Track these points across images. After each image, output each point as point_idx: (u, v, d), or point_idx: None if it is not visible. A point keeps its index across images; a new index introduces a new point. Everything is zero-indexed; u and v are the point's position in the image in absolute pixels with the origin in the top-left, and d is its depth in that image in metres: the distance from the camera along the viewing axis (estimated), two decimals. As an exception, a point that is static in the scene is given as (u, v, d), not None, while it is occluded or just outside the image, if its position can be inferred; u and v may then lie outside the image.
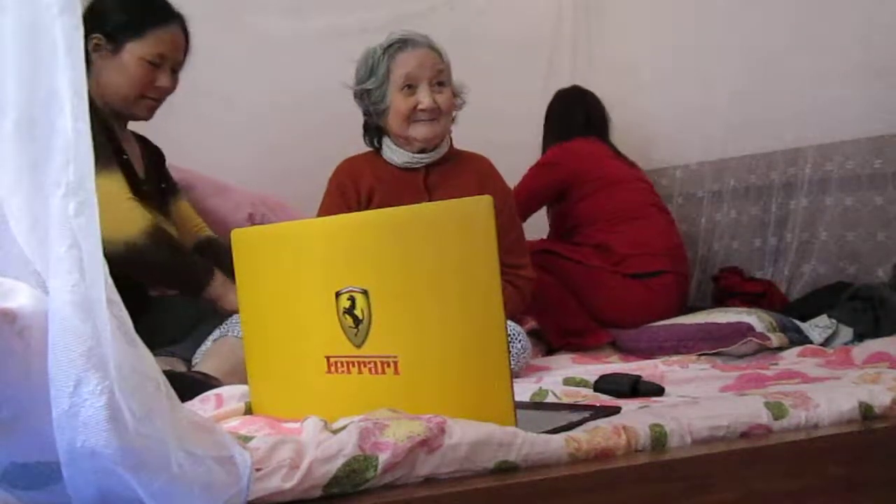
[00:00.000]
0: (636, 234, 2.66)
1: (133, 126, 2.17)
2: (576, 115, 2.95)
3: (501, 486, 0.98)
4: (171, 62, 2.05)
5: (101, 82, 1.98)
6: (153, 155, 2.20)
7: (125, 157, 2.01)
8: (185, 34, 2.08)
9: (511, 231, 2.25)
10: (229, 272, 2.05)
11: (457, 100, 2.26)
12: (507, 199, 2.30)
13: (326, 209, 2.24)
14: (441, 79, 2.18)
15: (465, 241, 1.10)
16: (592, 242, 2.68)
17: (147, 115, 2.08)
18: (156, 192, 2.13)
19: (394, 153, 2.25)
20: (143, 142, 2.19)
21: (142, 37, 1.98)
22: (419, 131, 2.19)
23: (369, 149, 2.34)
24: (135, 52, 1.98)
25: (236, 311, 1.90)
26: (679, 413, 1.21)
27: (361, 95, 2.23)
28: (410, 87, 2.17)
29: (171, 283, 2.02)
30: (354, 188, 2.24)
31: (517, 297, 2.24)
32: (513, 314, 2.22)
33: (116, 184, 1.89)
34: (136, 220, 1.87)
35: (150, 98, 2.04)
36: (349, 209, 2.17)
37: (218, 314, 1.94)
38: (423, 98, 2.16)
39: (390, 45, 2.19)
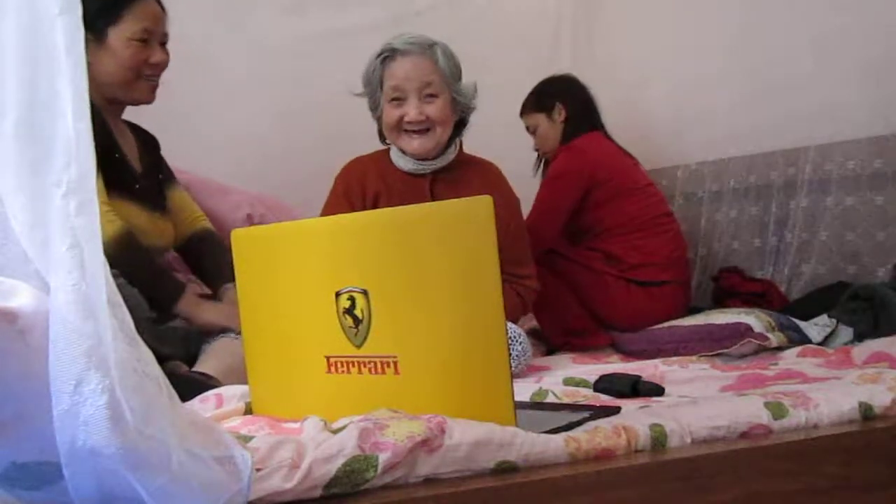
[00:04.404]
0: (646, 245, 2.64)
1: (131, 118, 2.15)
2: (587, 107, 2.87)
3: (501, 486, 0.99)
4: (159, 35, 2.02)
5: (93, 75, 1.92)
6: (148, 144, 2.18)
7: (117, 155, 1.98)
8: (159, 4, 2.04)
9: (518, 242, 2.24)
10: (222, 266, 2.05)
11: (464, 104, 2.20)
12: (514, 209, 2.29)
13: (331, 209, 2.23)
14: (431, 90, 2.13)
15: (465, 241, 1.10)
16: (602, 250, 2.66)
17: (150, 98, 2.05)
18: (153, 185, 2.10)
19: (400, 158, 2.24)
20: (136, 131, 2.16)
21: (121, 18, 1.95)
22: (410, 145, 2.17)
23: (374, 149, 2.32)
24: (120, 35, 1.95)
25: (211, 328, 1.89)
26: (679, 413, 1.22)
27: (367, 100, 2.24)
28: (398, 98, 2.14)
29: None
30: (360, 190, 2.23)
31: (518, 302, 2.25)
32: (511, 319, 2.22)
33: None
34: (104, 225, 1.81)
35: (148, 77, 2.01)
36: (353, 211, 2.15)
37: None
38: (410, 111, 2.12)
39: (381, 54, 2.16)
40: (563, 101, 2.85)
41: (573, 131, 2.81)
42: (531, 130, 2.93)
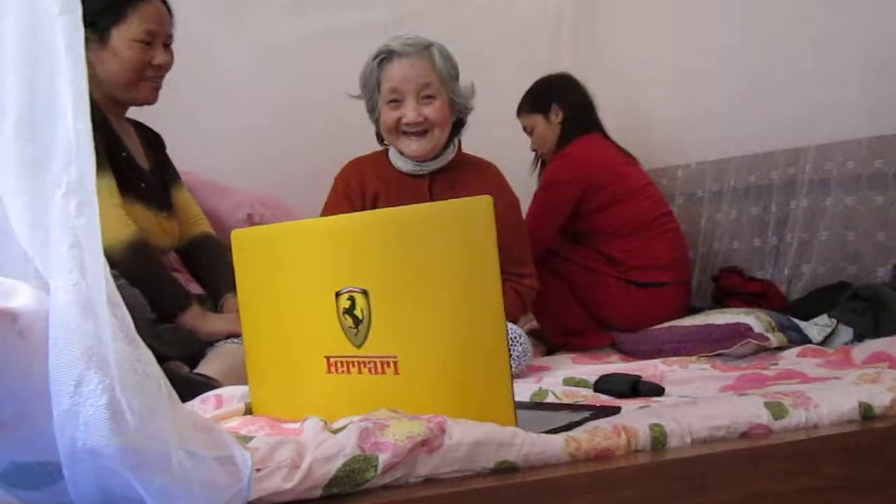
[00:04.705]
0: (646, 246, 2.64)
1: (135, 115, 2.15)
2: (584, 107, 2.85)
3: (501, 486, 0.99)
4: (162, 37, 1.99)
5: (96, 75, 1.93)
6: (153, 143, 2.16)
7: (124, 154, 1.97)
8: (166, 5, 2.02)
9: (516, 242, 2.24)
10: (222, 273, 2.05)
11: (462, 105, 2.21)
12: (513, 208, 2.29)
13: (330, 210, 2.23)
14: (428, 91, 2.13)
15: (465, 241, 1.10)
16: (602, 253, 2.66)
17: (152, 98, 2.03)
18: (159, 184, 2.09)
19: (398, 159, 2.24)
20: (141, 129, 2.15)
21: (125, 18, 1.93)
22: (408, 146, 2.17)
23: (375, 149, 2.33)
24: (123, 35, 1.93)
25: (216, 336, 1.88)
26: (679, 413, 1.22)
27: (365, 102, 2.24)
28: (396, 100, 2.14)
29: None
30: (360, 190, 2.23)
31: (518, 301, 2.25)
32: (511, 318, 2.22)
33: (105, 187, 1.83)
34: (119, 229, 1.82)
35: (150, 79, 1.99)
36: (353, 211, 2.16)
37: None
38: (408, 112, 2.12)
39: (378, 56, 2.16)
40: (559, 102, 2.84)
41: (571, 132, 2.80)
42: (528, 131, 2.92)
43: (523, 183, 2.86)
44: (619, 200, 2.67)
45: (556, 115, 2.83)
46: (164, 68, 2.02)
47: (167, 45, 2.03)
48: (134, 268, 1.79)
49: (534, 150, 2.96)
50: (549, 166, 2.80)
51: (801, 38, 2.76)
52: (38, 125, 0.82)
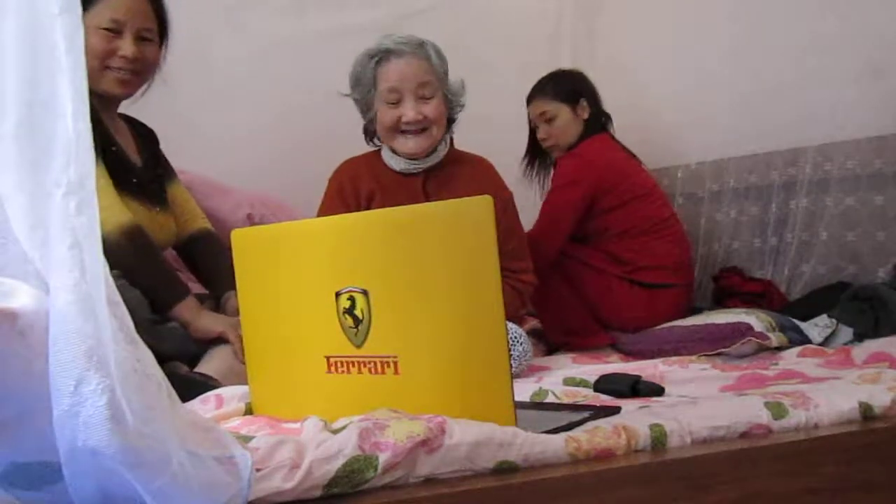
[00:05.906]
0: (654, 247, 2.63)
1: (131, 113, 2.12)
2: (601, 107, 2.83)
3: (501, 486, 0.99)
4: (133, 28, 1.92)
5: None
6: (146, 138, 2.13)
7: (114, 148, 1.93)
8: (149, 1, 1.97)
9: (512, 237, 2.23)
10: (222, 269, 2.04)
11: (454, 102, 2.22)
12: (507, 203, 2.28)
13: (325, 211, 2.23)
14: (426, 91, 2.13)
15: (465, 241, 1.10)
16: (609, 252, 2.65)
17: (121, 90, 1.96)
18: (152, 179, 2.06)
19: (391, 158, 2.24)
20: (133, 125, 2.11)
21: (91, 6, 1.87)
22: (406, 145, 2.17)
23: (369, 149, 2.33)
24: (89, 23, 1.85)
25: (207, 338, 1.84)
26: (679, 413, 1.22)
27: (354, 101, 2.23)
28: (395, 100, 2.14)
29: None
30: (354, 191, 2.23)
31: (517, 298, 2.25)
32: (511, 316, 2.21)
33: (98, 174, 1.81)
34: (112, 215, 1.77)
35: (115, 69, 1.92)
36: (348, 211, 2.16)
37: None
38: (408, 112, 2.12)
39: (374, 55, 2.16)
40: (587, 98, 2.79)
41: (589, 130, 2.77)
42: (545, 118, 2.81)
43: (520, 182, 2.86)
44: (630, 201, 2.66)
45: (584, 111, 2.78)
46: (131, 60, 1.93)
47: (145, 39, 1.96)
48: (130, 255, 1.76)
49: (542, 138, 2.84)
50: (560, 166, 2.75)
51: (801, 38, 2.75)
52: (38, 125, 0.82)
